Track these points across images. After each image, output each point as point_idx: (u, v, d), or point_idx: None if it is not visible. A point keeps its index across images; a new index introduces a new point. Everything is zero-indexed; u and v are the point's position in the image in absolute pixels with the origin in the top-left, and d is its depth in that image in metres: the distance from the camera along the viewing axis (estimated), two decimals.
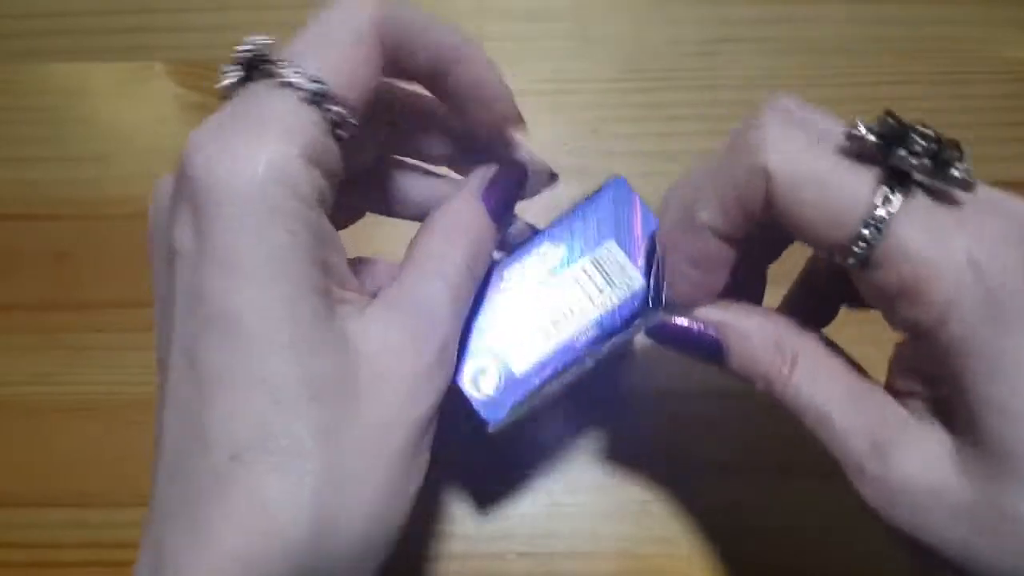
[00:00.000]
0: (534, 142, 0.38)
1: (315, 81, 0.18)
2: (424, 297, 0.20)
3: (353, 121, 0.19)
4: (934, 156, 0.17)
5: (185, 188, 0.17)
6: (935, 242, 0.17)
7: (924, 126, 0.17)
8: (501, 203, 0.22)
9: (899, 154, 0.17)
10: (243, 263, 0.17)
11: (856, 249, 0.18)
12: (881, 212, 0.17)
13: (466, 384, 0.22)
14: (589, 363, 0.23)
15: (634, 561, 0.31)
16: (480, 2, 0.40)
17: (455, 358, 0.21)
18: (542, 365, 0.23)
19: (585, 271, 0.23)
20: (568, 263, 0.24)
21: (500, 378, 0.22)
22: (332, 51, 0.19)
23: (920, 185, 0.18)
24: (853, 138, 0.17)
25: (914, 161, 0.17)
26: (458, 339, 0.21)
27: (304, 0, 0.39)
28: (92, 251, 0.35)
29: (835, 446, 0.19)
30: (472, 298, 0.21)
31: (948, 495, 0.18)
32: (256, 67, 0.18)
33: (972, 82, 0.38)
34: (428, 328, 0.19)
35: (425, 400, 0.19)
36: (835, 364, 0.20)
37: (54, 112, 0.38)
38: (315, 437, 0.17)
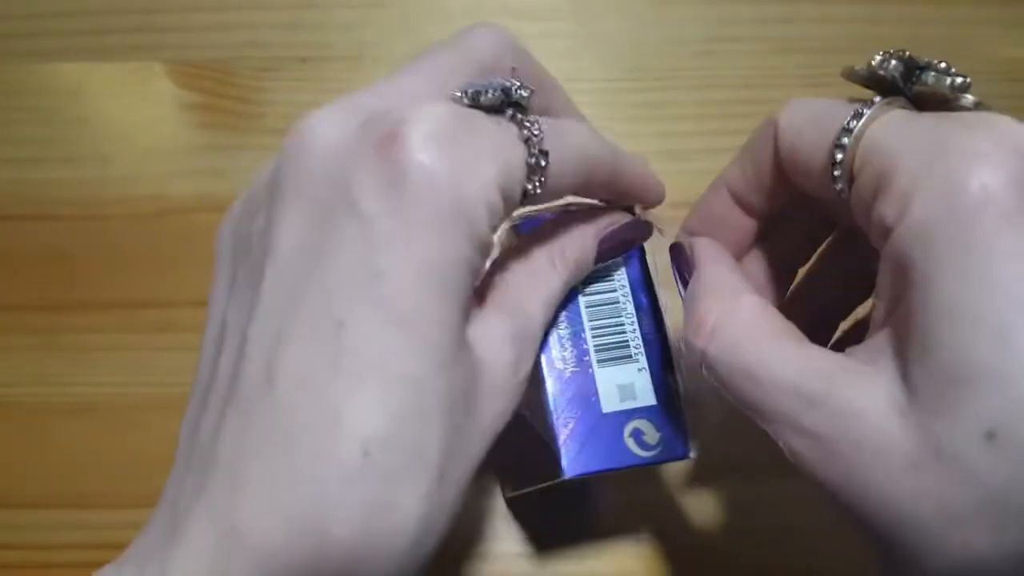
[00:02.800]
0: None
1: (544, 154, 0.19)
2: (530, 315, 0.20)
3: (536, 203, 0.20)
4: (962, 84, 0.18)
5: (394, 169, 0.17)
6: (906, 139, 0.17)
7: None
8: (611, 251, 0.23)
9: (930, 74, 0.18)
10: (429, 260, 0.17)
11: (836, 159, 0.18)
12: (854, 123, 0.18)
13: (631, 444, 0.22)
14: None
15: (634, 561, 0.31)
16: (479, 1, 0.40)
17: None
18: None
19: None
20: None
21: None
22: (567, 148, 0.19)
23: (914, 102, 0.18)
24: (864, 71, 0.18)
25: (947, 80, 0.18)
26: None
27: (305, 1, 0.39)
28: (92, 251, 0.35)
29: (766, 406, 0.18)
30: None
31: (886, 441, 0.16)
32: (512, 103, 0.19)
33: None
34: (529, 348, 0.20)
35: (506, 418, 0.19)
36: (765, 324, 0.19)
37: (54, 112, 0.38)
38: (440, 449, 0.16)
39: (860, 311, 0.25)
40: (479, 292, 0.21)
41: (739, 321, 0.19)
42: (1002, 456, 0.14)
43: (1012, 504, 0.14)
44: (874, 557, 0.17)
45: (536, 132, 0.18)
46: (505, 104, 0.19)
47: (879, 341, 0.17)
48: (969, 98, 0.18)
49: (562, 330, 0.23)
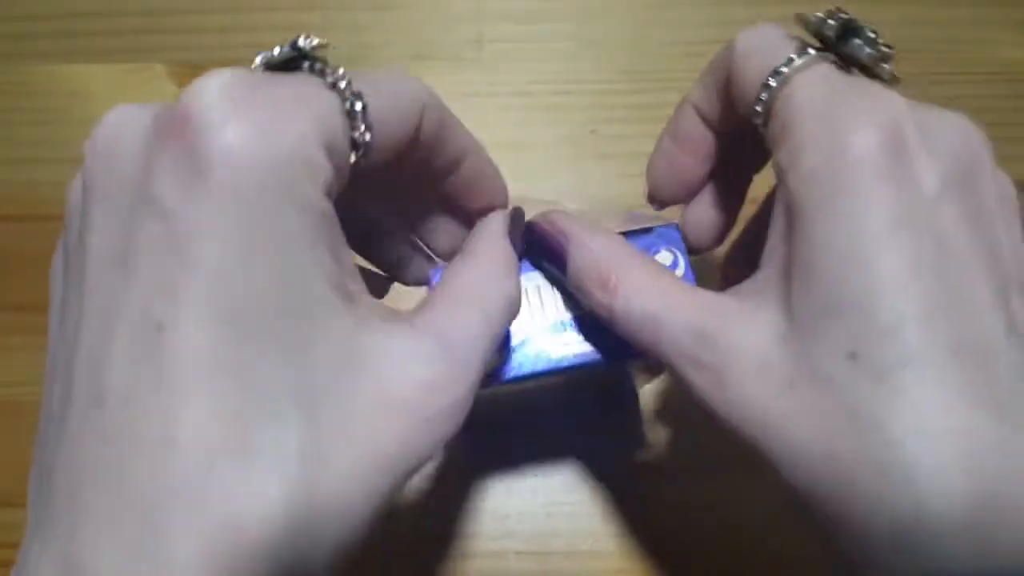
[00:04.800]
0: (533, 142, 0.38)
1: (356, 96, 0.17)
2: (464, 334, 0.18)
3: (371, 156, 0.18)
4: (880, 55, 0.19)
5: (190, 154, 0.15)
6: (816, 97, 0.18)
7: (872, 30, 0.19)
8: (518, 243, 0.23)
9: (855, 42, 0.19)
10: (248, 241, 0.15)
11: (762, 97, 0.19)
12: (785, 69, 0.19)
13: None
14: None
15: (634, 561, 0.31)
16: (479, 3, 0.40)
17: (469, 406, 0.18)
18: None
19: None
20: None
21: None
22: (384, 95, 0.18)
23: (843, 63, 0.19)
24: (810, 23, 0.20)
25: (868, 50, 0.19)
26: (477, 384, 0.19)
27: (305, 2, 0.39)
28: None
29: (665, 348, 0.19)
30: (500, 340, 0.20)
31: (767, 366, 0.17)
32: (306, 59, 0.18)
33: (970, 82, 0.38)
34: (462, 369, 0.18)
35: (430, 444, 0.17)
36: (663, 279, 0.20)
37: (54, 113, 0.38)
38: (296, 448, 0.15)
39: None
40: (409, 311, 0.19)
41: (638, 276, 0.20)
42: (862, 373, 0.16)
43: (867, 414, 0.16)
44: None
45: (340, 74, 0.17)
46: (300, 59, 0.18)
47: (768, 274, 0.19)
48: (886, 68, 0.19)
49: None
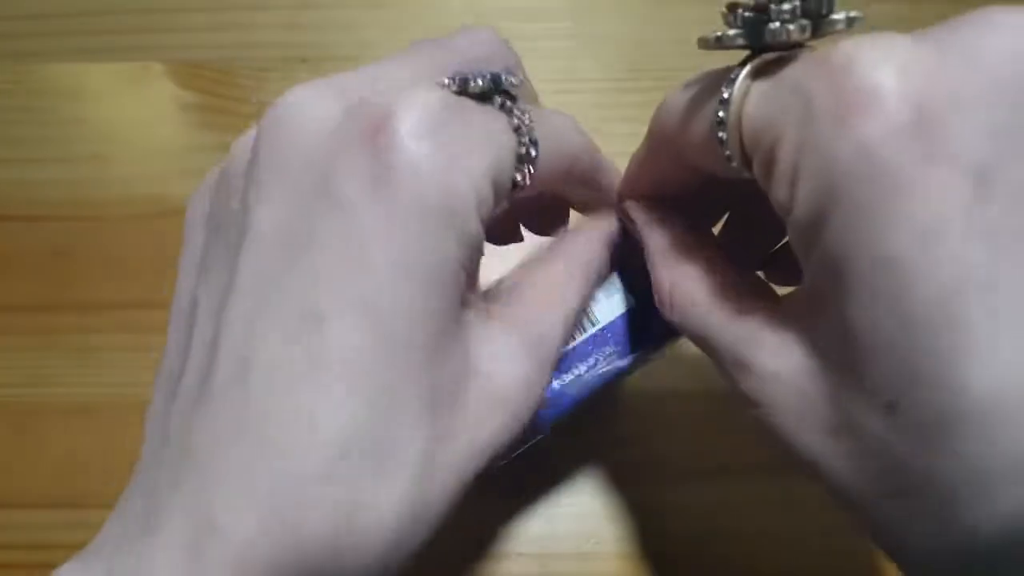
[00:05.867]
0: None
1: (534, 144, 0.18)
2: (547, 332, 0.19)
3: (521, 194, 0.19)
4: (807, 13, 0.16)
5: (381, 160, 0.16)
6: (776, 109, 0.15)
7: None
8: (616, 252, 0.23)
9: (772, 28, 0.16)
10: (414, 257, 0.16)
11: (725, 154, 0.17)
12: (723, 112, 0.16)
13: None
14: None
15: (634, 561, 0.31)
16: (479, 1, 0.40)
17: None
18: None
19: None
20: None
21: None
22: (549, 140, 0.19)
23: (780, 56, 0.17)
24: (721, 40, 0.17)
25: (792, 27, 0.16)
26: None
27: (305, 1, 0.39)
28: (92, 251, 0.35)
29: (719, 369, 0.19)
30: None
31: (807, 405, 0.16)
32: (501, 91, 0.19)
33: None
34: (545, 365, 0.19)
35: (512, 433, 0.18)
36: (710, 288, 0.20)
37: (53, 112, 0.38)
38: (418, 451, 0.16)
39: None
40: (491, 299, 0.20)
41: (686, 290, 0.20)
42: (903, 430, 0.14)
43: (917, 477, 0.14)
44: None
45: (527, 121, 0.18)
46: (494, 92, 0.18)
47: (799, 300, 0.18)
48: (837, 19, 0.16)
49: None
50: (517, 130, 0.18)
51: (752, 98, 0.16)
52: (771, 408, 0.17)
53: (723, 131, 0.17)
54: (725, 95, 0.16)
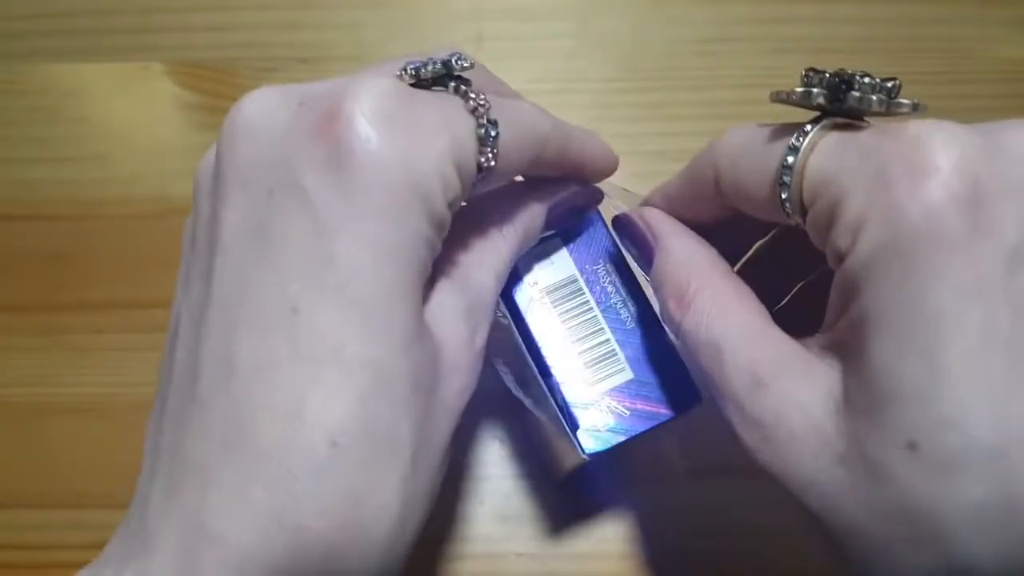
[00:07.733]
0: None
1: (492, 124, 0.18)
2: (482, 289, 0.20)
3: (490, 179, 0.19)
4: (882, 90, 0.18)
5: (338, 148, 0.16)
6: (848, 166, 0.17)
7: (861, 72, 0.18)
8: (560, 217, 0.23)
9: (856, 95, 0.18)
10: (383, 240, 0.16)
11: (783, 197, 0.18)
12: (791, 159, 0.18)
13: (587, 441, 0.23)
14: None
15: (634, 561, 0.31)
16: (480, 1, 0.40)
17: None
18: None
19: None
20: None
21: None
22: (512, 125, 0.19)
23: (847, 124, 0.18)
24: (792, 97, 0.18)
25: (874, 98, 0.17)
26: None
27: (305, 1, 0.39)
28: (92, 251, 0.35)
29: (718, 381, 0.19)
30: None
31: (819, 434, 0.17)
32: (452, 79, 0.19)
33: (971, 82, 0.38)
34: (483, 319, 0.20)
35: (467, 394, 0.19)
36: (738, 305, 0.20)
37: (53, 112, 0.38)
38: (411, 433, 0.16)
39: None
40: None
41: (714, 297, 0.20)
42: (921, 466, 0.15)
43: (925, 510, 0.15)
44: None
45: (482, 102, 0.18)
46: (447, 77, 0.19)
47: (830, 340, 0.18)
48: (905, 103, 0.18)
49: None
50: (474, 111, 0.18)
51: (819, 153, 0.18)
52: (776, 431, 0.17)
53: (788, 175, 0.18)
54: (795, 143, 0.18)
